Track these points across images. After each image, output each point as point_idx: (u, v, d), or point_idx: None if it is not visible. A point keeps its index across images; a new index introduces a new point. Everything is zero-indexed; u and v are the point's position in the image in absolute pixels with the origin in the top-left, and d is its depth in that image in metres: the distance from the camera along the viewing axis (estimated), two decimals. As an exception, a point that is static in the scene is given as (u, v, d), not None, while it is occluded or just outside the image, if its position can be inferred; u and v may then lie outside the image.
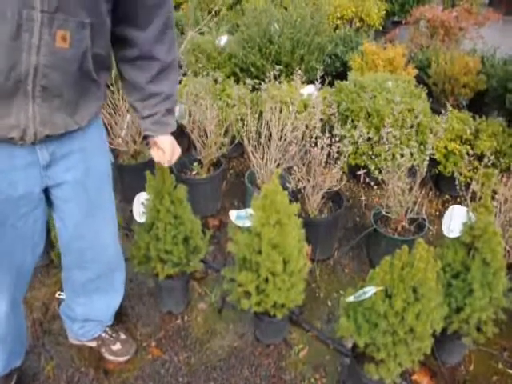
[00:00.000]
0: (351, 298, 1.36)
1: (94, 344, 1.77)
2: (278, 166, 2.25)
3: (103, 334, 1.75)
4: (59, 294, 2.01)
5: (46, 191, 1.31)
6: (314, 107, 2.31)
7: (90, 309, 1.65)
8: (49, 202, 1.35)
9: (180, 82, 2.84)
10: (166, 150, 1.42)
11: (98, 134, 1.39)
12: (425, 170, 2.05)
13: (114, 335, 1.77)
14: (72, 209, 1.36)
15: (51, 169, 1.25)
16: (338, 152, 2.10)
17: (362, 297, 1.32)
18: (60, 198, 1.33)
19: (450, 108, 2.27)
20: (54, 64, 1.06)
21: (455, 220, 1.59)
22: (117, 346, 1.75)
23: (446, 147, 2.49)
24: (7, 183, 1.18)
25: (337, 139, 2.11)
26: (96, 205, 1.40)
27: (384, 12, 4.67)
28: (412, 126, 2.30)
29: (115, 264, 1.61)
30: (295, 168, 2.12)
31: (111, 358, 1.74)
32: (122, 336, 1.78)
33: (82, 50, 1.10)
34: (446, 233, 1.62)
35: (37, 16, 1.00)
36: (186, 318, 1.93)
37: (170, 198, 1.67)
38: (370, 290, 1.32)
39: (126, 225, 2.32)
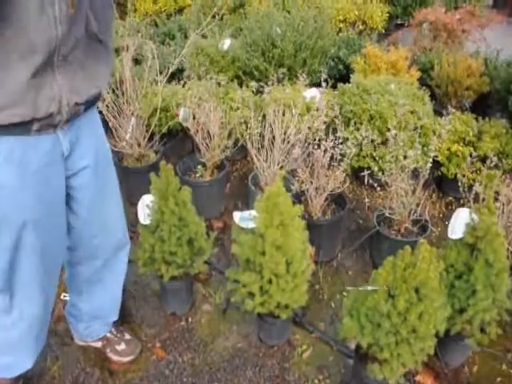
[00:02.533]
0: (356, 289, 1.37)
1: (99, 344, 1.78)
2: (282, 168, 2.26)
3: (108, 334, 1.77)
4: (64, 296, 2.02)
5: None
6: (317, 110, 2.32)
7: (94, 303, 1.67)
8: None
9: (183, 86, 2.86)
10: None
11: (98, 121, 1.44)
12: (428, 171, 2.06)
13: (118, 335, 1.78)
14: (84, 195, 1.39)
15: (69, 159, 1.30)
16: (341, 154, 2.11)
17: (368, 287, 1.34)
18: (75, 187, 1.36)
19: (451, 110, 2.28)
20: (69, 31, 1.10)
21: (459, 222, 1.60)
22: (121, 346, 1.77)
23: (449, 149, 2.49)
24: (44, 181, 1.23)
25: (340, 141, 2.13)
26: (104, 186, 1.44)
27: (387, 15, 4.67)
28: (415, 128, 2.31)
29: (122, 244, 1.62)
30: (298, 170, 2.13)
31: (116, 358, 1.76)
32: (127, 336, 1.80)
33: (83, 12, 1.14)
34: (449, 234, 1.63)
35: None
36: (190, 319, 1.95)
37: (175, 200, 1.68)
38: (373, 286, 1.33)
39: (131, 227, 2.34)
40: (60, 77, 1.14)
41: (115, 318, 1.77)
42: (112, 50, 1.34)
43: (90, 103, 1.30)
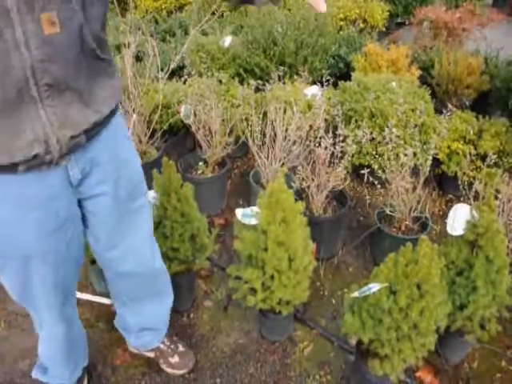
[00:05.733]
0: (356, 294, 1.38)
1: (152, 355, 1.74)
2: (283, 165, 2.27)
3: (161, 346, 1.71)
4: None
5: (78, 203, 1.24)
6: (318, 107, 2.33)
7: (141, 318, 1.61)
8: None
9: (184, 83, 2.86)
10: None
11: (125, 139, 1.27)
12: (428, 169, 2.07)
13: (172, 346, 1.72)
14: (103, 221, 1.28)
15: (83, 183, 1.17)
16: (341, 151, 2.12)
17: (367, 292, 1.34)
18: (90, 210, 1.24)
19: (450, 107, 2.29)
20: (50, 56, 0.91)
21: (459, 218, 1.61)
22: (175, 359, 1.71)
23: (449, 147, 2.50)
24: (48, 214, 1.12)
25: (340, 139, 2.13)
26: (127, 213, 1.31)
27: (387, 13, 4.67)
28: (415, 126, 2.32)
29: (157, 270, 1.53)
30: (299, 167, 2.14)
31: (169, 370, 1.71)
32: (181, 348, 1.74)
33: (75, 29, 0.93)
34: (449, 231, 1.64)
35: (11, 3, 0.83)
36: (191, 315, 1.96)
37: (177, 196, 1.69)
38: (374, 286, 1.34)
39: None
40: (46, 113, 0.96)
41: (165, 330, 1.71)
42: (113, 60, 1.14)
43: (95, 130, 1.10)
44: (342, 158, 2.12)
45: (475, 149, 2.43)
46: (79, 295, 2.02)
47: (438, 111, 2.65)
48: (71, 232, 1.21)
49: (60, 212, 1.14)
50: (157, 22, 4.42)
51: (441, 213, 2.56)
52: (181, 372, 1.71)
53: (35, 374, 1.58)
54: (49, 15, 0.87)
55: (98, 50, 1.02)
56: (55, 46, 0.91)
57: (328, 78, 2.53)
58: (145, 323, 1.64)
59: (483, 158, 2.34)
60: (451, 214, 1.64)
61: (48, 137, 0.98)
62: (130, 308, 1.60)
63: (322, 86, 2.61)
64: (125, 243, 1.35)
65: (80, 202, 1.23)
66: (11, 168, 0.99)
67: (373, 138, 2.39)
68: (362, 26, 4.38)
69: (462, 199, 2.47)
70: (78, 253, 1.29)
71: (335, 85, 2.91)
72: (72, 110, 1.00)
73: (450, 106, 2.29)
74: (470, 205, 1.74)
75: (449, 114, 2.25)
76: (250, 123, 2.32)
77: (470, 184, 2.02)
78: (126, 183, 1.26)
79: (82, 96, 1.02)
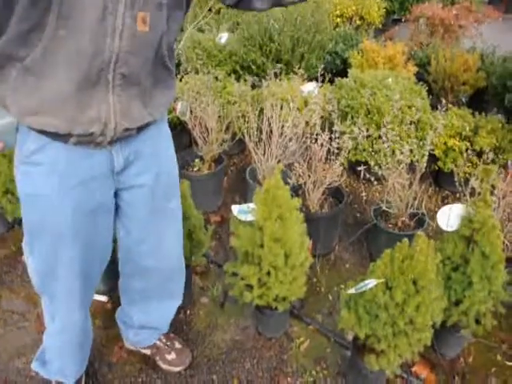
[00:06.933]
0: (352, 290, 1.39)
1: (148, 352, 1.74)
2: (279, 161, 2.27)
3: (158, 343, 1.72)
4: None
5: (115, 194, 1.28)
6: (314, 104, 2.32)
7: (147, 316, 1.62)
8: (116, 205, 1.32)
9: (181, 80, 2.86)
10: None
11: (169, 138, 1.35)
12: (424, 165, 2.07)
13: (168, 343, 1.73)
14: (137, 213, 1.32)
15: (124, 173, 1.22)
16: (338, 148, 2.12)
17: (363, 288, 1.35)
18: (126, 201, 1.29)
19: (444, 103, 2.29)
20: (134, 49, 1.02)
21: (453, 216, 1.62)
22: (171, 356, 1.71)
23: (445, 143, 2.51)
24: (87, 194, 1.17)
25: (337, 135, 2.13)
26: (161, 210, 1.35)
27: (384, 10, 4.68)
28: (411, 123, 2.32)
29: (177, 272, 1.57)
30: (296, 164, 2.14)
31: (165, 367, 1.71)
32: (178, 345, 1.74)
33: (159, 33, 1.06)
34: (444, 227, 1.65)
35: None
36: (188, 312, 1.95)
37: (173, 192, 1.68)
38: (370, 282, 1.34)
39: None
40: (114, 98, 1.05)
41: (166, 330, 1.72)
42: (175, 76, 1.23)
43: (146, 127, 1.20)
44: (338, 154, 2.12)
45: (471, 145, 2.44)
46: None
47: (435, 108, 2.65)
48: (103, 218, 1.25)
49: (97, 194, 1.19)
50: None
51: (437, 209, 2.54)
52: (177, 369, 1.71)
53: (35, 366, 1.56)
54: (144, 14, 1.01)
55: (167, 59, 1.14)
56: (141, 42, 1.03)
57: (322, 72, 2.53)
58: (148, 322, 1.65)
59: (479, 154, 2.35)
60: (443, 212, 1.66)
61: (109, 120, 1.07)
62: (138, 306, 1.61)
63: (317, 81, 2.61)
64: (155, 239, 1.39)
65: (117, 193, 1.27)
66: (64, 137, 1.07)
67: (369, 135, 2.39)
68: (358, 22, 4.39)
69: (458, 195, 2.48)
70: (107, 242, 1.32)
71: (332, 82, 2.91)
72: (133, 105, 1.10)
73: (444, 101, 2.29)
74: (466, 201, 1.75)
75: (444, 109, 2.25)
76: (246, 120, 2.32)
77: (466, 180, 2.02)
78: (164, 180, 1.32)
79: (144, 95, 1.12)
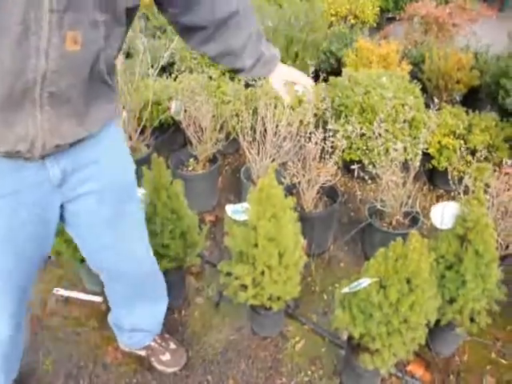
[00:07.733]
0: (346, 289, 1.38)
1: (143, 353, 1.73)
2: (273, 161, 2.27)
3: (153, 343, 1.71)
4: (57, 290, 2.02)
5: (60, 208, 1.23)
6: (308, 103, 2.32)
7: (135, 319, 1.62)
8: (61, 217, 1.27)
9: (175, 79, 2.85)
10: (295, 77, 1.42)
11: (115, 142, 1.29)
12: (418, 164, 2.07)
13: (163, 344, 1.72)
14: (88, 221, 1.28)
15: (65, 185, 1.17)
16: (332, 147, 2.12)
17: (357, 287, 1.34)
18: (73, 212, 1.25)
19: (437, 101, 2.29)
20: (63, 69, 0.97)
21: (447, 214, 1.62)
22: (166, 357, 1.71)
23: (439, 142, 2.51)
24: (17, 205, 1.12)
25: (330, 134, 2.13)
26: (119, 214, 1.31)
27: (378, 9, 4.69)
28: (405, 121, 2.32)
29: (150, 275, 1.55)
30: (290, 163, 2.14)
31: (160, 367, 1.70)
32: (172, 346, 1.74)
33: (94, 51, 1.00)
34: (438, 226, 1.65)
35: (45, 16, 0.90)
36: (183, 312, 1.95)
37: (167, 192, 1.68)
38: (364, 281, 1.34)
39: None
40: (43, 116, 1.00)
41: (158, 331, 1.72)
42: (116, 87, 1.19)
43: (82, 140, 1.13)
44: (332, 153, 2.12)
45: (465, 143, 2.44)
46: (69, 293, 2.01)
47: (429, 106, 2.65)
48: (38, 230, 1.20)
49: (30, 206, 1.14)
50: (148, 19, 4.39)
51: (431, 207, 2.56)
52: (172, 369, 1.71)
53: None
54: (74, 34, 0.94)
55: (106, 75, 1.08)
56: (71, 61, 0.97)
57: (315, 69, 2.52)
58: (138, 325, 1.64)
59: (473, 152, 2.35)
60: (436, 210, 1.66)
61: (35, 138, 1.02)
62: (125, 309, 1.61)
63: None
64: (118, 243, 1.36)
65: (64, 205, 1.22)
66: None
67: (363, 134, 2.39)
68: (352, 21, 4.39)
69: (452, 194, 2.49)
70: (36, 252, 1.26)
71: (326, 80, 2.91)
72: (65, 124, 1.05)
73: (436, 100, 2.29)
74: (460, 199, 1.76)
75: (437, 107, 2.25)
76: (240, 119, 2.31)
77: (460, 178, 2.02)
78: (115, 184, 1.27)
79: (77, 113, 1.07)
